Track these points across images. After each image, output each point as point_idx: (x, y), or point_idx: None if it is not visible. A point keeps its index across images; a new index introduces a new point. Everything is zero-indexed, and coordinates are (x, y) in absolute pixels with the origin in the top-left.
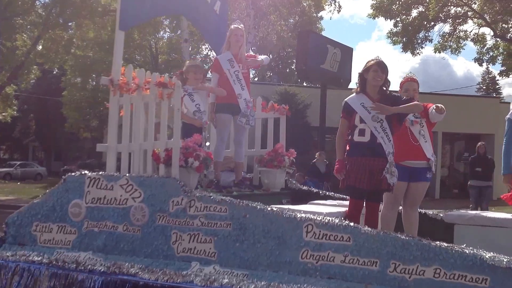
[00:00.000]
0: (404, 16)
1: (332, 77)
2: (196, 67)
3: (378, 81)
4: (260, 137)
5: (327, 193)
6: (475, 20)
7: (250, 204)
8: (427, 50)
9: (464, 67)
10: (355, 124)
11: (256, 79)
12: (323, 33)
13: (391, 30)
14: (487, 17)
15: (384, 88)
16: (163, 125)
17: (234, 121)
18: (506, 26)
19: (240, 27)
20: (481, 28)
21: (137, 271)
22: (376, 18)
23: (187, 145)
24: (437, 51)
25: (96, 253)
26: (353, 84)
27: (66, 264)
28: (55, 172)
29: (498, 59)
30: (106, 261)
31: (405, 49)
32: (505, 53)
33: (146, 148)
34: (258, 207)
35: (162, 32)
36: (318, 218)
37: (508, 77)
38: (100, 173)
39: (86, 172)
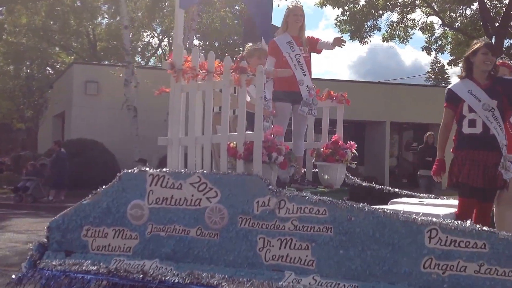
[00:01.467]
0: (352, 5)
1: None
2: (261, 50)
3: (488, 65)
4: (313, 128)
5: (390, 190)
6: (423, 9)
7: (355, 206)
8: (375, 38)
9: (412, 56)
10: (463, 114)
11: None
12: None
13: (338, 17)
14: (435, 6)
15: (493, 73)
16: (241, 116)
17: (294, 110)
18: (454, 15)
19: (299, 5)
20: (429, 17)
21: (219, 281)
22: (324, 6)
23: (266, 138)
24: (385, 40)
25: (165, 261)
26: None
27: (130, 274)
28: None
29: (447, 48)
30: (179, 270)
31: (353, 37)
32: (453, 42)
33: (219, 141)
34: (366, 208)
35: (100, 18)
36: (443, 222)
37: (457, 66)
38: (165, 170)
39: (147, 169)
